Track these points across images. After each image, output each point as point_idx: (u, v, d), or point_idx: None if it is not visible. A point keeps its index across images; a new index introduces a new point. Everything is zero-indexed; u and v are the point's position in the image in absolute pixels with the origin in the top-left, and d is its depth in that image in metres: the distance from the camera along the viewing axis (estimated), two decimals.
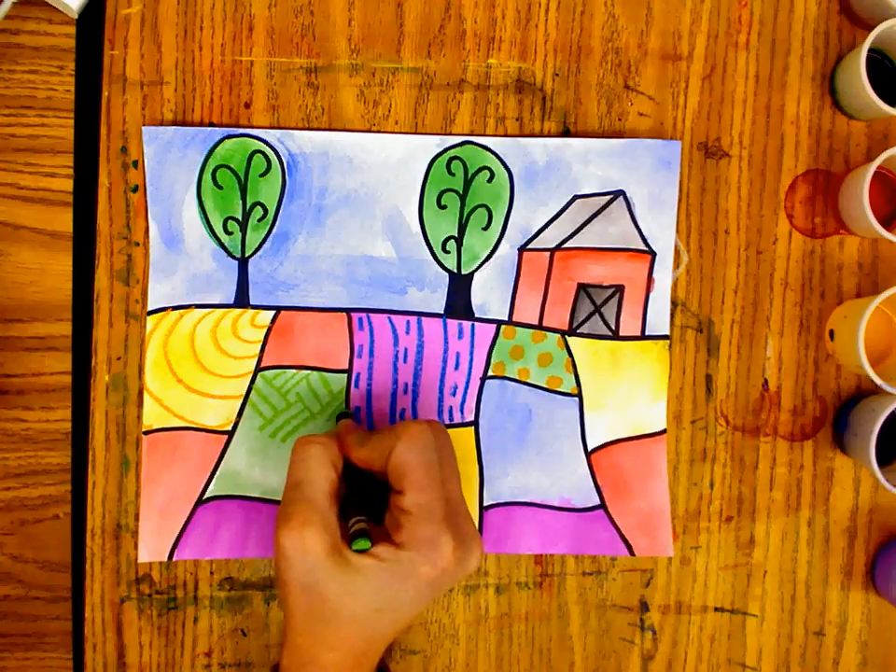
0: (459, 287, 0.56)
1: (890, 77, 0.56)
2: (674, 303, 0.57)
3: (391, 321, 0.56)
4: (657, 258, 0.56)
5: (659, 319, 0.57)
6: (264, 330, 0.55)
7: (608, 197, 0.56)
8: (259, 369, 0.55)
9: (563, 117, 0.57)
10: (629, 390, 0.56)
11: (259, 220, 0.55)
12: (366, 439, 0.48)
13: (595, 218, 0.56)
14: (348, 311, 0.56)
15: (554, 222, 0.56)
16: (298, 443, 0.47)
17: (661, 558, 0.57)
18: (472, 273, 0.56)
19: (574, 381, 0.56)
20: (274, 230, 0.55)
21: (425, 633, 0.56)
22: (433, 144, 0.56)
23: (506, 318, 0.56)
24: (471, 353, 0.56)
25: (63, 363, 0.55)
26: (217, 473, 0.55)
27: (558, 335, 0.57)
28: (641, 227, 0.56)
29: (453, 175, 0.56)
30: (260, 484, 0.55)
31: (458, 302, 0.56)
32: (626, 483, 0.56)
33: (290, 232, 0.55)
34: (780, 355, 0.57)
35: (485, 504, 0.56)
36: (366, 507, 0.47)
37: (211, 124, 0.55)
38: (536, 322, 0.56)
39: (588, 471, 0.56)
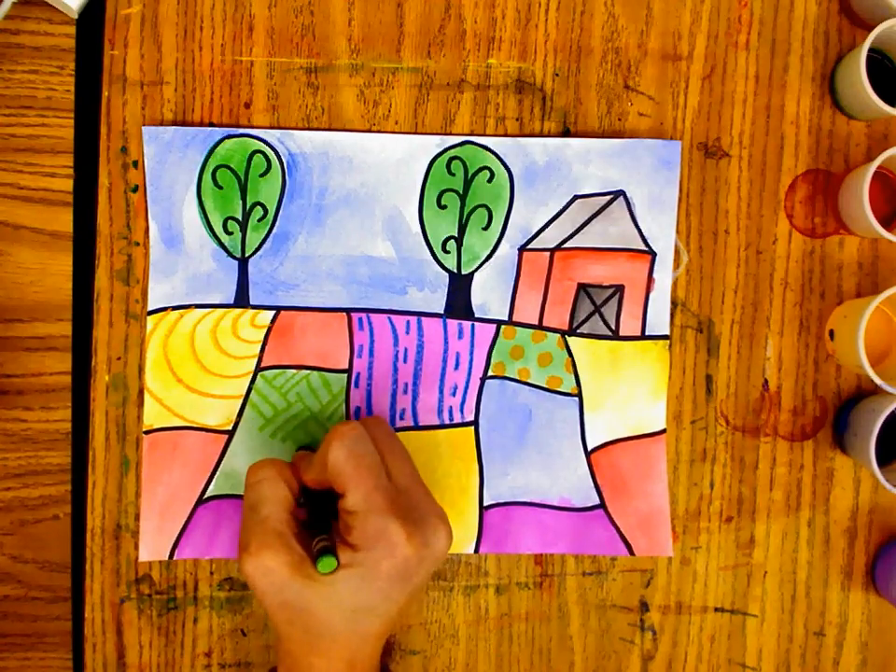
0: (459, 286, 0.56)
1: (890, 77, 0.56)
2: (674, 303, 0.57)
3: (391, 321, 0.56)
4: (657, 258, 0.56)
5: (659, 319, 0.57)
6: (264, 330, 0.55)
7: (608, 197, 0.56)
8: (259, 369, 0.55)
9: (563, 117, 0.57)
10: (629, 390, 0.56)
11: (259, 220, 0.55)
12: (311, 462, 0.48)
13: (595, 218, 0.56)
14: (348, 311, 0.56)
15: (554, 222, 0.56)
16: (250, 469, 0.48)
17: (661, 558, 0.57)
18: (472, 273, 0.56)
19: (574, 381, 0.56)
20: (274, 230, 0.55)
21: (425, 633, 0.56)
22: (433, 144, 0.56)
23: (506, 318, 0.56)
24: (471, 353, 0.56)
25: (63, 363, 0.55)
26: (218, 473, 0.55)
27: (558, 335, 0.57)
28: (641, 227, 0.56)
29: (453, 175, 0.56)
30: None
31: (458, 302, 0.56)
32: (626, 483, 0.56)
33: (290, 232, 0.55)
34: (780, 355, 0.57)
35: (485, 504, 0.56)
36: (329, 525, 0.47)
37: (211, 124, 0.55)
38: (536, 322, 0.56)
39: (588, 471, 0.56)
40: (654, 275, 0.56)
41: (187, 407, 0.55)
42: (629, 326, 0.57)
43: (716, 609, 0.57)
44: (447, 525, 0.47)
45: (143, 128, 0.54)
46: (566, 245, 0.56)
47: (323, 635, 0.45)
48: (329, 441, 0.46)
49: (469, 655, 0.57)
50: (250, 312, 0.55)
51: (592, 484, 0.56)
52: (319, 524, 0.47)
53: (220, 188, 0.55)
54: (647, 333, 0.57)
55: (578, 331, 0.57)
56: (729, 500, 0.57)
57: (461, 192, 0.56)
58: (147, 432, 0.55)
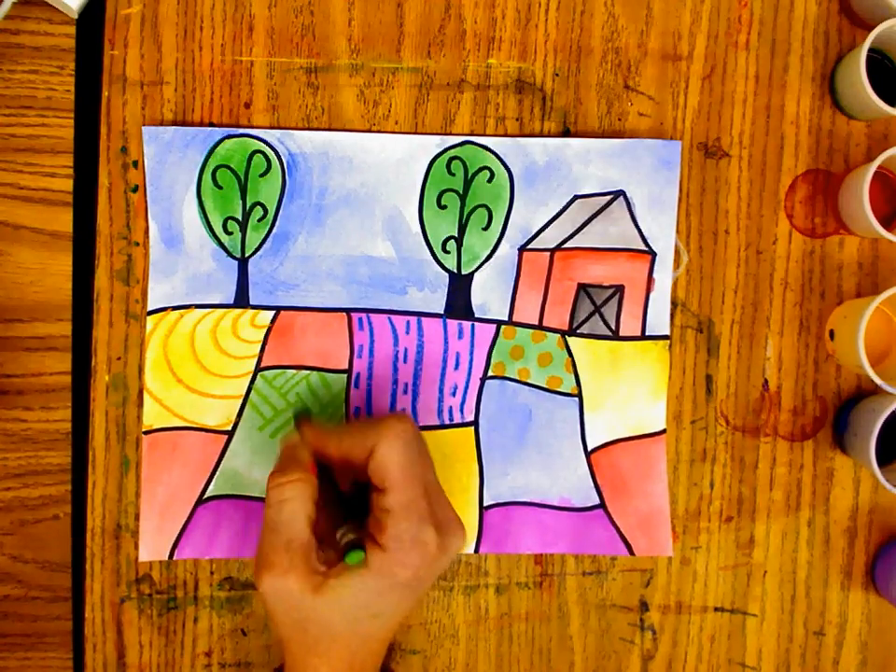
0: (459, 286, 0.56)
1: (890, 77, 0.56)
2: (674, 303, 0.57)
3: (391, 321, 0.56)
4: (657, 258, 0.56)
5: (659, 319, 0.57)
6: (264, 330, 0.55)
7: (608, 197, 0.56)
8: (258, 369, 0.55)
9: (563, 117, 0.57)
10: (629, 390, 0.56)
11: (259, 220, 0.55)
12: (344, 433, 0.47)
13: (595, 218, 0.56)
14: (348, 311, 0.56)
15: (554, 222, 0.56)
16: (272, 483, 0.46)
17: (661, 558, 0.57)
18: (472, 273, 0.56)
19: (574, 381, 0.56)
20: (274, 230, 0.55)
21: (425, 633, 0.56)
22: (433, 144, 0.56)
23: (506, 318, 0.56)
24: (471, 353, 0.56)
25: (63, 363, 0.55)
26: (217, 473, 0.55)
27: (558, 335, 0.57)
28: (641, 227, 0.56)
29: (453, 175, 0.56)
30: (260, 484, 0.55)
31: (458, 302, 0.56)
32: (626, 483, 0.56)
33: (290, 232, 0.55)
34: (780, 355, 0.57)
35: (485, 504, 0.56)
36: (345, 512, 0.47)
37: (211, 124, 0.55)
38: (536, 322, 0.56)
39: (588, 471, 0.56)
40: (654, 275, 0.56)
41: (187, 407, 0.55)
42: (629, 326, 0.57)
43: (716, 609, 0.57)
44: (464, 531, 0.47)
45: (143, 128, 0.54)
46: (566, 245, 0.56)
47: (330, 642, 0.45)
48: (380, 434, 0.45)
49: (469, 655, 0.57)
50: (250, 312, 0.55)
51: (592, 484, 0.56)
52: (337, 509, 0.47)
53: (220, 188, 0.55)
54: (647, 333, 0.57)
55: (578, 331, 0.57)
56: (729, 500, 0.57)
57: (461, 192, 0.56)
58: (146, 432, 0.55)
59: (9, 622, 0.55)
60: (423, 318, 0.56)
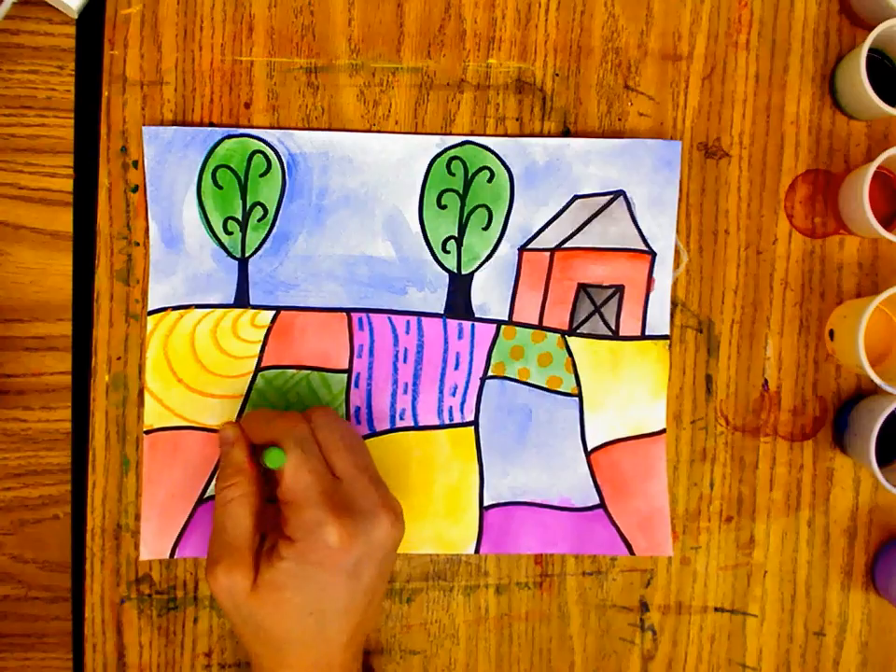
0: (459, 286, 0.56)
1: (890, 77, 0.56)
2: (674, 303, 0.57)
3: (391, 321, 0.56)
4: (657, 258, 0.56)
5: (659, 319, 0.57)
6: (264, 330, 0.55)
7: (608, 197, 0.56)
8: (259, 369, 0.55)
9: (563, 117, 0.57)
10: (629, 390, 0.56)
11: (259, 220, 0.55)
12: (263, 428, 0.49)
13: (595, 218, 0.56)
14: (348, 311, 0.56)
15: (554, 222, 0.56)
16: (216, 488, 0.48)
17: (661, 558, 0.57)
18: (472, 273, 0.56)
19: (574, 381, 0.56)
20: (274, 230, 0.55)
21: (425, 633, 0.56)
22: (433, 144, 0.56)
23: (506, 318, 0.56)
24: (471, 353, 0.56)
25: (63, 363, 0.55)
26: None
27: (558, 335, 0.57)
28: (641, 227, 0.56)
29: (453, 174, 0.56)
30: None
31: (458, 302, 0.56)
32: (626, 483, 0.56)
33: (290, 232, 0.55)
34: (780, 355, 0.57)
35: (485, 504, 0.56)
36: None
37: (211, 124, 0.55)
38: (536, 322, 0.56)
39: (588, 471, 0.56)
40: (654, 275, 0.56)
41: (187, 407, 0.55)
42: (629, 326, 0.57)
43: (716, 609, 0.57)
44: (391, 516, 0.47)
45: (143, 128, 0.54)
46: (566, 245, 0.56)
47: (287, 647, 0.46)
48: (272, 432, 0.47)
49: (469, 655, 0.57)
50: (250, 312, 0.55)
51: (592, 484, 0.56)
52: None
53: (220, 188, 0.55)
54: (647, 333, 0.57)
55: (578, 331, 0.57)
56: (729, 500, 0.57)
57: (461, 192, 0.56)
58: (147, 432, 0.55)
59: (9, 622, 0.55)
60: (423, 318, 0.56)
